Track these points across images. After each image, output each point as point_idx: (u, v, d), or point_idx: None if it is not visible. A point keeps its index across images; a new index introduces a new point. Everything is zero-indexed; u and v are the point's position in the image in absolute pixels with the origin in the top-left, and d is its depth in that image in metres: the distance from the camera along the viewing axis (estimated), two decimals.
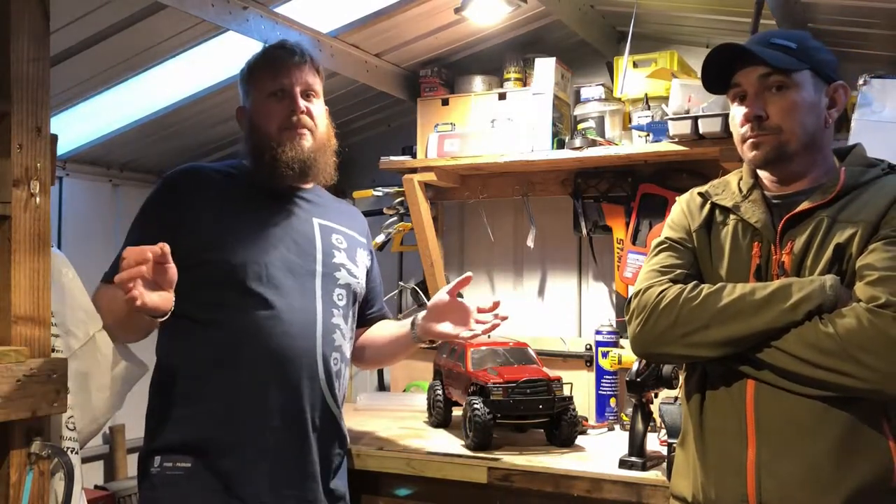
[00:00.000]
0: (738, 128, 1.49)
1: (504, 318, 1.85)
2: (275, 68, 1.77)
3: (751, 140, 1.45)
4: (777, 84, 1.43)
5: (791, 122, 1.42)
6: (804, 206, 1.42)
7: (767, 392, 1.37)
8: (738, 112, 1.48)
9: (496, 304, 1.86)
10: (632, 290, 1.56)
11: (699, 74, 1.51)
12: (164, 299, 1.43)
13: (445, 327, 1.87)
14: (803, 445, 1.34)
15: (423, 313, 1.91)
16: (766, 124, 1.43)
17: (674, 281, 1.49)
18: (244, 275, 1.68)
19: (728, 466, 1.40)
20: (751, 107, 1.44)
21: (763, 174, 1.52)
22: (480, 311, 1.87)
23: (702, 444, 1.46)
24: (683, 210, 1.59)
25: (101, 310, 1.56)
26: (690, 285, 1.46)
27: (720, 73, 1.49)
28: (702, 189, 1.59)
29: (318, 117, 1.81)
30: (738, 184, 1.54)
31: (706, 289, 1.43)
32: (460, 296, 1.89)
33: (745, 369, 1.40)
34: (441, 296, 1.88)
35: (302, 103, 1.77)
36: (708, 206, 1.55)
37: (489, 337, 2.30)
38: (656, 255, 1.57)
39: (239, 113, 1.87)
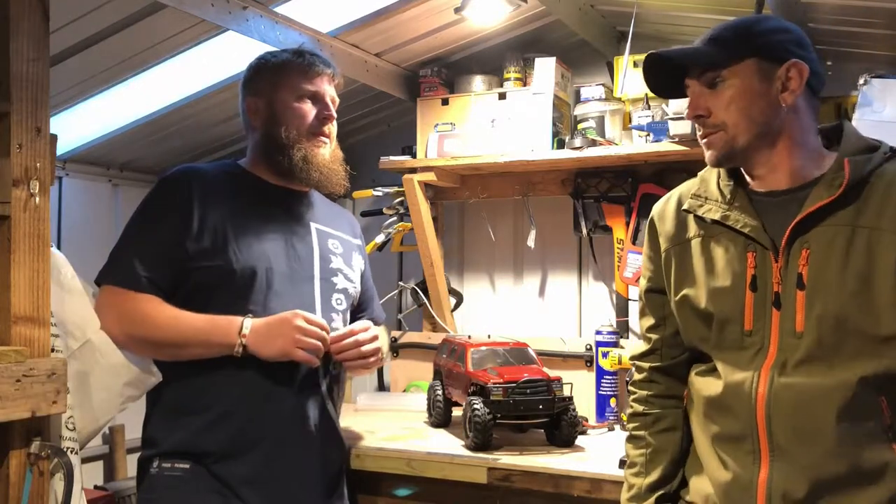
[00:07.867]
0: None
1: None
2: (310, 72, 1.80)
3: (702, 141, 1.41)
4: (711, 80, 1.37)
5: (733, 115, 1.35)
6: (811, 207, 1.31)
7: (783, 409, 1.31)
8: None
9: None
10: (635, 348, 1.63)
11: None
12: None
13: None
14: (819, 468, 1.28)
15: None
16: (709, 122, 1.38)
17: (645, 354, 1.57)
18: (245, 282, 1.68)
19: (739, 483, 1.35)
20: (690, 107, 1.40)
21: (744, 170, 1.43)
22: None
23: (711, 457, 1.41)
24: (652, 233, 1.56)
25: (161, 326, 1.62)
26: (645, 398, 1.56)
27: (678, 80, 1.43)
28: (685, 203, 1.48)
29: (335, 129, 1.85)
30: (718, 185, 1.44)
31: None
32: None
33: None
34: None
35: (333, 112, 1.81)
36: (685, 216, 1.48)
37: (489, 337, 2.30)
38: (641, 312, 1.59)
39: (252, 104, 1.82)
